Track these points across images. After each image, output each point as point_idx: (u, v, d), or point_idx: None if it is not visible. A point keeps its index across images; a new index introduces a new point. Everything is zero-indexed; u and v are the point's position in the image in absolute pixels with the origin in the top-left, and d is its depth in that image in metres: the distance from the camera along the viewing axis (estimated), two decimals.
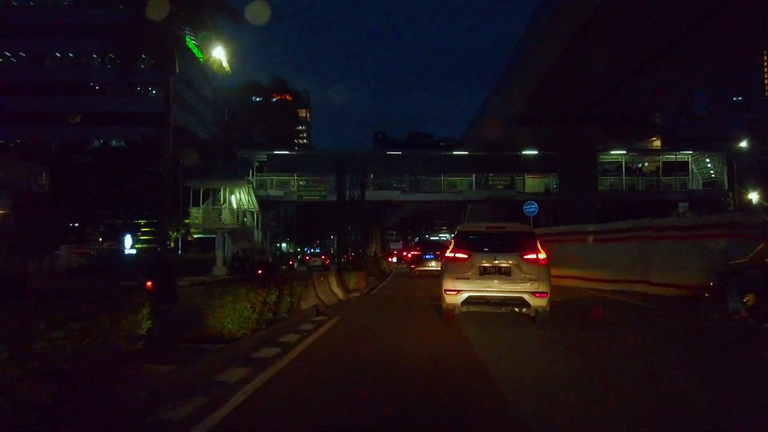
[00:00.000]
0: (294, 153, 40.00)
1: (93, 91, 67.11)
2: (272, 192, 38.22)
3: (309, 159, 39.58)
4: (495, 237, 9.22)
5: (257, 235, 34.13)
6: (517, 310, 8.56)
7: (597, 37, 22.97)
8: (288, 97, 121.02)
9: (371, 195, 41.58)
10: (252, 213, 34.01)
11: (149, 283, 17.25)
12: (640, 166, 43.02)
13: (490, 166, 41.13)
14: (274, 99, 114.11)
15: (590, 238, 15.98)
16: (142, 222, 56.17)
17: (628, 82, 28.45)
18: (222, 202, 32.00)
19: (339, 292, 13.77)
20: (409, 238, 77.74)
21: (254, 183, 37.72)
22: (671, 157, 41.95)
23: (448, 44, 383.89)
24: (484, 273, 8.52)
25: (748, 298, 7.23)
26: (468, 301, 8.55)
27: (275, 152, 39.98)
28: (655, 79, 27.95)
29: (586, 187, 33.84)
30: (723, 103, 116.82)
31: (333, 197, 27.78)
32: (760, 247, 7.52)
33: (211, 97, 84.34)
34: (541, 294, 8.28)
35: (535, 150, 40.06)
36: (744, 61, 70.57)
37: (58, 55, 67.63)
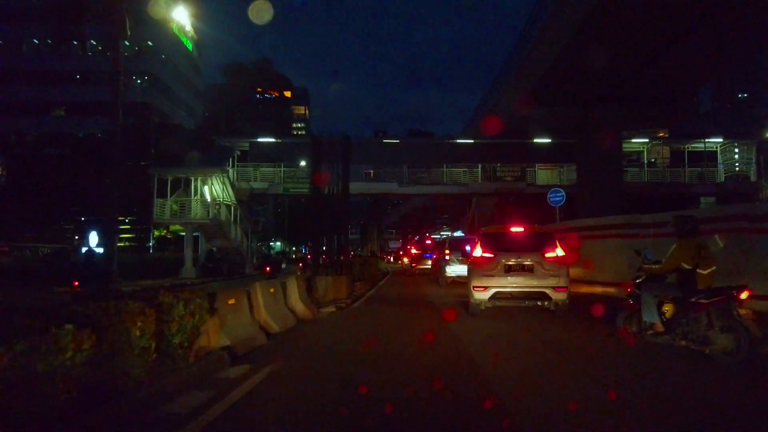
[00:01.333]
0: (279, 141, 35.77)
1: (73, 80, 63.23)
2: (255, 184, 34.17)
3: (296, 148, 35.35)
4: (517, 237, 9.91)
5: (235, 231, 29.98)
6: (539, 303, 9.24)
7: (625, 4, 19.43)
8: (287, 94, 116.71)
9: (366, 187, 37.62)
10: (229, 207, 29.86)
11: (268, 269, 23.24)
12: (653, 159, 39.00)
13: (497, 157, 36.97)
14: (273, 95, 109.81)
15: (649, 233, 11.81)
16: (125, 219, 52.37)
17: (660, 58, 24.47)
18: (194, 193, 27.87)
19: (302, 308, 9.64)
20: (409, 236, 73.98)
21: (235, 173, 33.66)
22: (699, 145, 37.75)
23: (447, 43, 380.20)
24: (509, 270, 9.22)
25: (667, 309, 6.29)
26: (495, 297, 9.24)
27: (259, 140, 35.80)
28: (687, 55, 24.16)
29: (608, 178, 29.63)
30: (728, 100, 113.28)
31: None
32: (673, 248, 6.29)
33: (203, 90, 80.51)
34: (561, 288, 9.04)
35: (548, 138, 35.91)
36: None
37: (36, 42, 63.67)
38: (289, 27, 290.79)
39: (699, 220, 6.59)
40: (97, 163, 43.27)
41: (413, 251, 41.27)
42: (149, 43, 63.71)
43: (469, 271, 10.45)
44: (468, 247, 18.46)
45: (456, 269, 17.64)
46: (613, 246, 13.50)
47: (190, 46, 74.25)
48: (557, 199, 17.64)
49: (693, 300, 5.88)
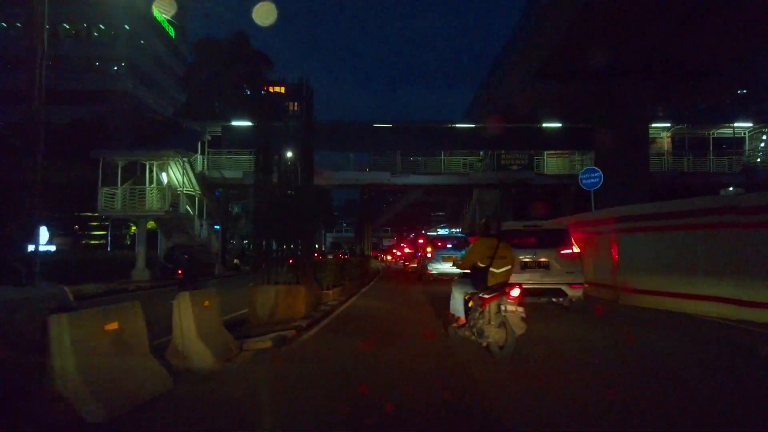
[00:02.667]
0: (256, 125, 31.59)
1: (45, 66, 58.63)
2: (228, 173, 30.06)
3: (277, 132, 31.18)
4: (533, 234, 10.13)
5: (200, 226, 25.82)
6: (554, 300, 9.63)
7: None
8: (281, 90, 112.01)
9: (354, 177, 33.50)
10: (192, 197, 25.71)
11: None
12: (665, 149, 35.03)
13: (501, 143, 32.84)
14: (270, 91, 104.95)
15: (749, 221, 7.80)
16: (94, 215, 48.19)
17: (692, 22, 20.60)
18: (149, 182, 23.72)
19: (199, 351, 5.45)
20: (404, 234, 70.40)
21: (206, 161, 29.54)
22: (727, 131, 33.78)
23: (444, 42, 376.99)
24: (526, 267, 9.47)
25: (472, 304, 6.56)
26: None
27: (233, 123, 31.61)
28: (724, 20, 20.40)
29: (633, 164, 25.63)
30: (728, 96, 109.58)
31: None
32: (470, 247, 6.76)
33: (184, 76, 76.26)
34: (577, 285, 9.27)
35: (559, 122, 31.94)
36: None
37: (4, 25, 59.36)
38: (284, 26, 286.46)
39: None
40: (59, 154, 39.16)
41: (406, 250, 37.71)
42: (126, 26, 59.69)
43: None
44: (450, 245, 18.92)
45: (437, 266, 17.81)
46: (682, 242, 9.49)
47: (173, 32, 70.19)
48: (593, 180, 13.61)
49: (479, 295, 6.13)
